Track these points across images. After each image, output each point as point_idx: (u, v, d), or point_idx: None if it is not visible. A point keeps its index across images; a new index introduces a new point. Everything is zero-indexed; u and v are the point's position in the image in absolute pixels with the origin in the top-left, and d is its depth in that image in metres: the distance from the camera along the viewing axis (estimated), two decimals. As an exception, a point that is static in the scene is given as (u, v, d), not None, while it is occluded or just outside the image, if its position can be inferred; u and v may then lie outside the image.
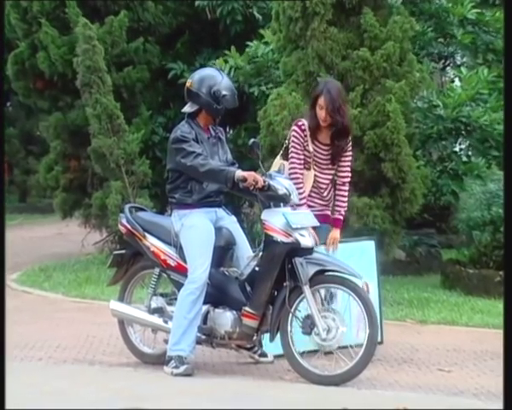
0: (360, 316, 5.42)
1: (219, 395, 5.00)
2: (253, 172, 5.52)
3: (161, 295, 6.08)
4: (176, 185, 5.80)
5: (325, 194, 6.17)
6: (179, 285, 5.74)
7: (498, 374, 5.22)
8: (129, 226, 6.01)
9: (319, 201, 6.15)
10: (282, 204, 5.55)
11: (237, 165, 5.92)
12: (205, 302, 5.64)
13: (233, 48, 10.47)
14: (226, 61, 10.34)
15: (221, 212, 5.91)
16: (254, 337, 5.69)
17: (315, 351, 5.50)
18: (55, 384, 5.22)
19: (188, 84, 5.87)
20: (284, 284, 5.45)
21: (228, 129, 12.08)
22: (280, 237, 5.44)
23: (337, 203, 6.21)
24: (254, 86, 10.33)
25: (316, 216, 5.78)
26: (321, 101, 5.97)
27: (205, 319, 5.69)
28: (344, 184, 6.21)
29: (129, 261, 6.16)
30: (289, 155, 6.09)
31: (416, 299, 8.42)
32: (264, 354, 5.96)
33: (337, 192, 6.22)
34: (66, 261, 12.03)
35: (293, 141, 6.08)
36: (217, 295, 5.70)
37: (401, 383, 5.52)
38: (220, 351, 6.10)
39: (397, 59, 8.16)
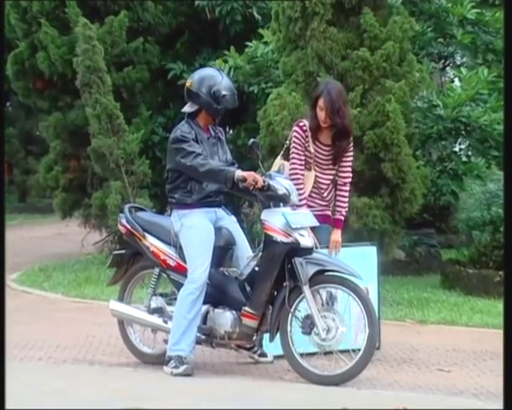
0: (360, 316, 5.43)
1: (219, 395, 5.00)
2: (252, 172, 5.52)
3: (161, 295, 6.07)
4: (175, 185, 5.80)
5: (326, 194, 6.16)
6: (179, 285, 5.73)
7: (498, 374, 5.22)
8: (128, 226, 6.00)
9: (320, 201, 6.14)
10: (281, 204, 5.55)
11: (237, 165, 5.92)
12: (204, 302, 5.63)
13: (232, 48, 10.47)
14: (226, 61, 10.34)
15: (221, 212, 5.91)
16: (254, 337, 5.69)
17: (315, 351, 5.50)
18: (54, 384, 5.21)
19: (188, 84, 5.87)
20: (284, 284, 5.45)
21: (228, 129, 12.08)
22: (280, 237, 5.44)
23: (338, 204, 6.19)
24: (254, 85, 10.33)
25: (316, 216, 5.78)
26: (321, 102, 5.95)
27: (204, 319, 5.69)
28: (345, 184, 6.20)
29: (128, 261, 6.16)
30: (290, 156, 6.08)
31: (416, 299, 8.42)
32: (263, 354, 5.96)
33: (338, 193, 6.21)
34: (66, 261, 12.02)
35: (294, 141, 6.07)
36: (216, 295, 5.70)
37: (401, 383, 5.52)
38: (220, 351, 6.10)
39: (396, 59, 8.16)
